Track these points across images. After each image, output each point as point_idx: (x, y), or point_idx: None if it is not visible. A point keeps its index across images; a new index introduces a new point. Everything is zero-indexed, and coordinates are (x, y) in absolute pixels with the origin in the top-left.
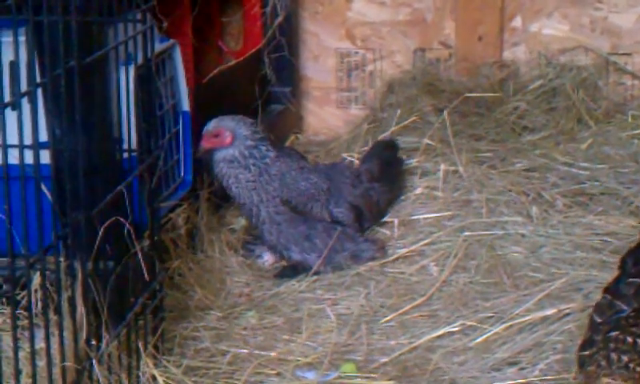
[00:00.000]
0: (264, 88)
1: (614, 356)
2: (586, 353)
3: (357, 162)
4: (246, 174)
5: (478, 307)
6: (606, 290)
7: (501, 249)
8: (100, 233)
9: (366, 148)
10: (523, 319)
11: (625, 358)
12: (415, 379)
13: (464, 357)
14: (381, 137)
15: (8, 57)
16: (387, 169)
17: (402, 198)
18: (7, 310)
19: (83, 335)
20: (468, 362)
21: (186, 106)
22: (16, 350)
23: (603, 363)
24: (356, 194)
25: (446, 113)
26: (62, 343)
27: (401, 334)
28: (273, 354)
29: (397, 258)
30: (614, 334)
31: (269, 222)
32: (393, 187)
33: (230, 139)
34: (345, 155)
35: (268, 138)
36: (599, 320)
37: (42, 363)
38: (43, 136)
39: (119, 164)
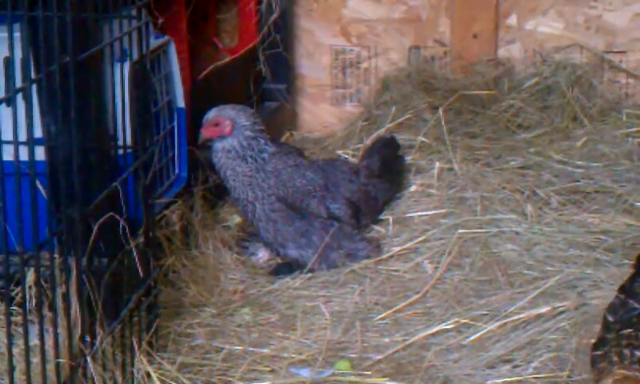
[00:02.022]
0: (259, 85)
1: (626, 352)
2: (599, 352)
3: (352, 159)
4: (243, 167)
5: (472, 305)
6: (621, 289)
7: (495, 246)
8: (94, 229)
9: (360, 145)
10: (517, 317)
11: (638, 353)
12: (409, 377)
13: (458, 354)
14: (381, 133)
15: (3, 52)
16: (387, 166)
17: (397, 195)
18: (1, 307)
19: (77, 332)
20: (462, 360)
21: (180, 102)
22: (10, 346)
23: (615, 359)
24: (353, 190)
25: (440, 110)
26: (56, 340)
27: (395, 331)
28: (267, 351)
29: (391, 256)
30: (626, 331)
31: (264, 220)
32: (392, 184)
33: (230, 128)
34: (339, 152)
35: (268, 134)
36: (612, 319)
37: (36, 360)
38: (38, 132)
39: (114, 160)
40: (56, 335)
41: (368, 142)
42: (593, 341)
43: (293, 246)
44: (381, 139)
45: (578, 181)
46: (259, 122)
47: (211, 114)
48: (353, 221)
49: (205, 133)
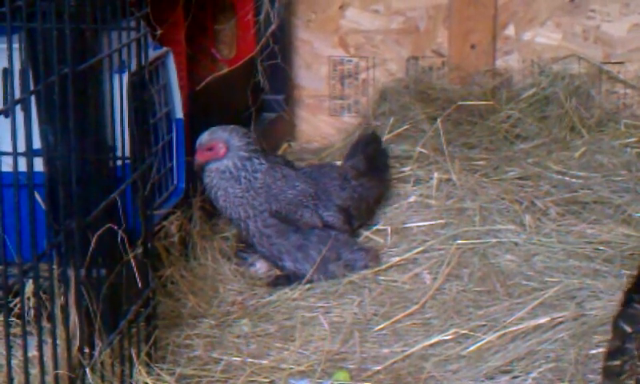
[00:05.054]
0: (257, 96)
1: None
2: (616, 362)
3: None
4: (235, 188)
5: (471, 315)
6: (631, 299)
7: (494, 257)
8: (93, 240)
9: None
10: (516, 327)
11: None
12: None
13: (457, 365)
14: (362, 131)
15: (1, 64)
16: (373, 163)
17: (395, 205)
18: (0, 318)
19: (76, 343)
20: (461, 371)
21: (179, 113)
22: (9, 357)
23: None
24: (345, 197)
25: (439, 121)
26: (54, 351)
27: (394, 342)
28: (266, 362)
29: (390, 266)
30: None
31: (258, 236)
32: (380, 181)
33: (224, 151)
34: (337, 163)
35: (260, 149)
36: (630, 330)
37: (34, 371)
38: (37, 143)
39: (112, 172)
40: (55, 346)
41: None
42: (606, 349)
43: (289, 259)
44: (363, 137)
45: (577, 191)
46: (252, 142)
47: (204, 139)
48: (346, 226)
49: (200, 158)
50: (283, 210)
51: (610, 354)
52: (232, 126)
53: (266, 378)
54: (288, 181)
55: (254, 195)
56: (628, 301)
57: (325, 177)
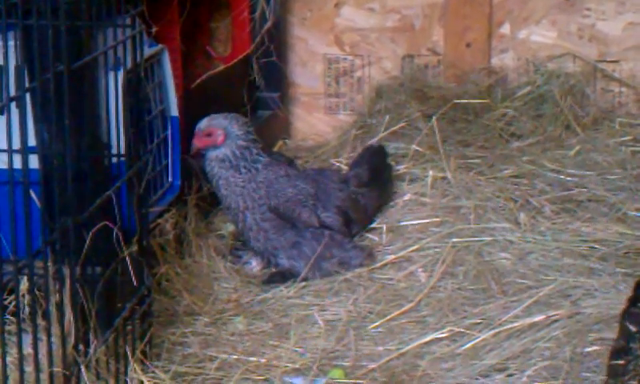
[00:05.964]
0: (252, 93)
1: None
2: (621, 362)
3: (344, 167)
4: (236, 177)
5: (466, 313)
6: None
7: (489, 255)
8: (88, 238)
9: (354, 154)
10: (511, 325)
11: None
12: None
13: (452, 363)
14: (370, 142)
15: None
16: (376, 174)
17: (391, 203)
18: None
19: (71, 340)
20: (456, 369)
21: (174, 111)
22: (4, 355)
23: None
24: (344, 199)
25: (434, 119)
26: (49, 349)
27: (389, 340)
28: (261, 359)
29: (385, 264)
30: None
31: (255, 229)
32: (381, 193)
33: (223, 138)
34: (333, 161)
35: (260, 143)
36: (634, 329)
37: (29, 369)
38: (32, 141)
39: (108, 169)
40: (50, 344)
41: (358, 151)
42: (611, 348)
43: (284, 256)
44: (370, 148)
45: (572, 189)
46: (252, 131)
47: (203, 124)
48: (344, 229)
49: (197, 143)
50: (281, 207)
51: (615, 353)
52: (233, 114)
53: (260, 375)
54: (290, 179)
55: (254, 188)
56: (634, 300)
57: (326, 179)
